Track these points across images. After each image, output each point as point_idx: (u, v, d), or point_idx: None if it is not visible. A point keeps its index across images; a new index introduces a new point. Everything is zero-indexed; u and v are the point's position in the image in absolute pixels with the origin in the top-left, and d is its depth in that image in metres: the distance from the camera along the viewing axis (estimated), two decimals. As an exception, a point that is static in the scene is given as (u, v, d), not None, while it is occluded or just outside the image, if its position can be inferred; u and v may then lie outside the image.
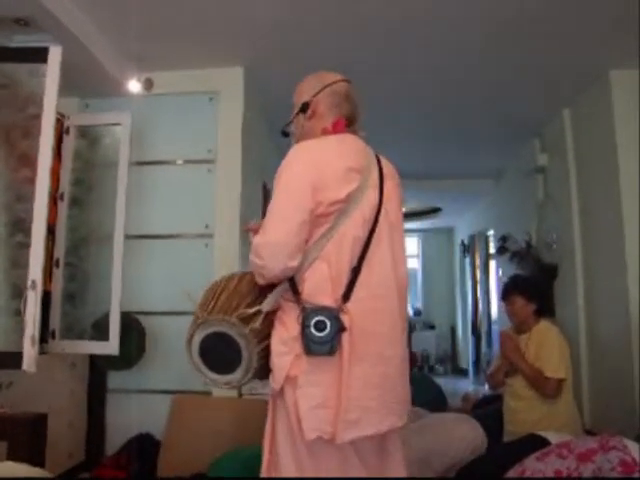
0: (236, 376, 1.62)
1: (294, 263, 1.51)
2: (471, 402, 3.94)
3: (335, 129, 1.70)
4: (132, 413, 3.39)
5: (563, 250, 4.45)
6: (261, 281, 1.60)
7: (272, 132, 4.81)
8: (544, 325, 3.00)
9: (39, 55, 2.58)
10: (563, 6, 2.92)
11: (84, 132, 3.39)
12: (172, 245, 3.53)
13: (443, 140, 5.36)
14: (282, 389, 1.55)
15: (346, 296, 1.52)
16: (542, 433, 2.63)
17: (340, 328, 1.47)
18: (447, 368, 9.44)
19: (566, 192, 4.36)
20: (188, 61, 3.56)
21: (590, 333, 4.07)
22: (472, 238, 8.52)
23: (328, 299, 1.52)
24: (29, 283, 2.48)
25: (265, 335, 1.60)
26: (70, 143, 3.30)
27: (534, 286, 3.20)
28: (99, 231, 3.28)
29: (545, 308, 3.12)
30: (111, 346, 3.06)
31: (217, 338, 1.60)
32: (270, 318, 1.61)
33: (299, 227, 1.51)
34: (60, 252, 3.19)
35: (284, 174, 1.58)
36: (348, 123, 1.74)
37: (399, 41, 3.33)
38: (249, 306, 1.60)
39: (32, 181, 2.57)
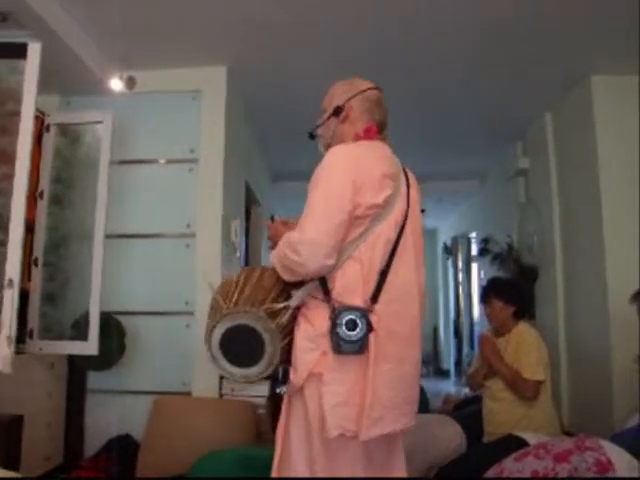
0: (255, 370, 1.62)
1: (331, 262, 1.53)
2: (452, 403, 3.96)
3: (366, 135, 1.73)
4: (112, 414, 3.35)
5: (544, 253, 4.50)
6: (292, 277, 1.60)
7: (255, 131, 4.81)
8: (522, 327, 3.02)
9: (18, 51, 2.54)
10: (546, 12, 2.95)
11: (65, 130, 3.36)
12: (153, 245, 3.50)
13: (427, 142, 5.39)
14: (302, 386, 1.57)
15: (374, 297, 1.56)
16: (520, 434, 2.66)
17: (369, 328, 1.51)
18: (429, 369, 9.47)
19: (547, 195, 4.41)
20: (171, 60, 3.54)
21: (570, 335, 4.11)
22: (455, 240, 8.57)
23: (358, 299, 1.55)
24: (6, 281, 2.44)
25: (288, 331, 1.61)
26: (50, 141, 3.26)
27: (513, 288, 3.21)
28: (79, 230, 3.24)
29: (524, 310, 3.15)
30: (90, 346, 3.03)
31: (240, 331, 1.60)
32: (293, 314, 1.63)
33: (338, 227, 1.53)
34: (39, 251, 3.14)
35: (325, 174, 1.60)
36: (379, 130, 1.78)
37: (384, 44, 3.35)
38: (274, 301, 1.61)
39: (11, 178, 2.53)
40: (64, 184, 3.32)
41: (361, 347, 1.50)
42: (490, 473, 2.16)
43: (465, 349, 7.99)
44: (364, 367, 1.52)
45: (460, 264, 8.48)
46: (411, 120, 4.70)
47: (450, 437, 2.92)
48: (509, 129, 4.86)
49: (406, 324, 1.62)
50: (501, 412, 2.90)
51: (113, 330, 3.23)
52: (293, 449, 1.59)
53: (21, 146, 2.54)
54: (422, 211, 1.81)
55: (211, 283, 1.78)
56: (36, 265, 3.12)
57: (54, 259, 3.22)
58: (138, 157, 3.58)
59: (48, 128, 3.25)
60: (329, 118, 1.80)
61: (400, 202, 1.66)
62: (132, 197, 3.52)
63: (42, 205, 3.19)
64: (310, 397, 1.55)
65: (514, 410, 2.85)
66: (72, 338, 3.11)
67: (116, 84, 3.28)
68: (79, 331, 3.08)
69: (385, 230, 1.59)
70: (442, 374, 9.06)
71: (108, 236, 3.19)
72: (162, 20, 3.07)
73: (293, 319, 1.63)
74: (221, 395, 3.30)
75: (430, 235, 10.16)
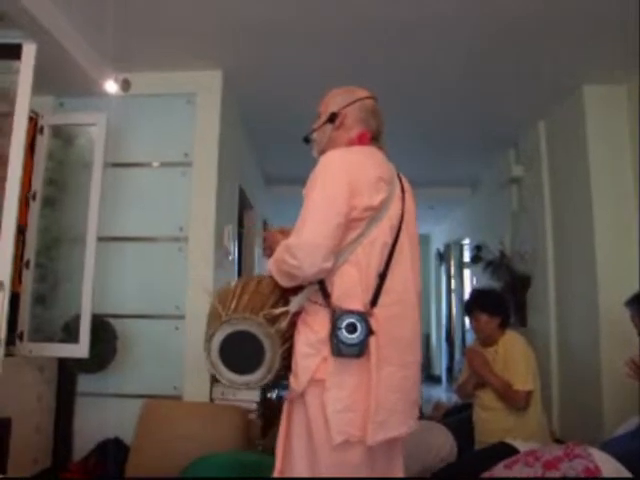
0: (256, 377, 1.61)
1: (328, 265, 1.52)
2: (442, 410, 3.95)
3: (360, 141, 1.75)
4: (101, 417, 3.34)
5: (536, 260, 4.52)
6: (290, 283, 1.60)
7: (249, 135, 4.81)
8: (510, 336, 3.02)
9: (12, 52, 2.53)
10: (540, 21, 2.98)
11: (58, 132, 3.35)
12: (145, 248, 3.49)
13: (420, 149, 5.41)
14: (303, 392, 1.55)
15: (374, 301, 1.56)
16: (511, 441, 2.66)
17: (369, 331, 1.51)
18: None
19: (540, 203, 4.44)
20: (166, 63, 3.54)
21: (561, 343, 4.13)
22: (447, 247, 8.60)
23: (357, 303, 1.55)
24: (-4, 284, 2.43)
25: (287, 337, 1.61)
26: (44, 142, 3.24)
27: (495, 299, 3.21)
28: (71, 232, 3.23)
29: (509, 319, 3.15)
30: (81, 349, 3.01)
31: (239, 337, 1.60)
32: (292, 320, 1.62)
33: (335, 230, 1.53)
34: (31, 253, 3.13)
35: (321, 177, 1.60)
36: (373, 137, 1.79)
37: (379, 50, 3.36)
38: (273, 307, 1.61)
39: (3, 180, 2.52)
40: (57, 186, 3.31)
41: (361, 350, 1.49)
42: (480, 480, 2.16)
43: (457, 356, 8.00)
44: (365, 371, 1.52)
45: (452, 270, 8.50)
46: (405, 127, 4.72)
47: (440, 444, 2.92)
48: (502, 137, 4.88)
49: (407, 327, 1.62)
50: (492, 421, 2.90)
51: (104, 333, 3.21)
52: (295, 455, 1.57)
53: (14, 147, 2.52)
54: None
55: (206, 288, 1.78)
56: (27, 268, 3.10)
57: (46, 261, 3.21)
58: (132, 160, 3.57)
59: (42, 129, 3.24)
60: (324, 124, 1.81)
61: (395, 206, 1.66)
62: (125, 200, 3.51)
63: (35, 207, 3.18)
64: (312, 404, 1.54)
65: (505, 419, 2.86)
66: (63, 341, 3.09)
67: (111, 86, 3.27)
68: (70, 334, 3.07)
69: (381, 233, 1.60)
70: (433, 380, 9.06)
71: (100, 239, 3.18)
72: (158, 23, 3.08)
73: (292, 325, 1.62)
74: (211, 399, 3.29)
75: (423, 241, 10.16)
